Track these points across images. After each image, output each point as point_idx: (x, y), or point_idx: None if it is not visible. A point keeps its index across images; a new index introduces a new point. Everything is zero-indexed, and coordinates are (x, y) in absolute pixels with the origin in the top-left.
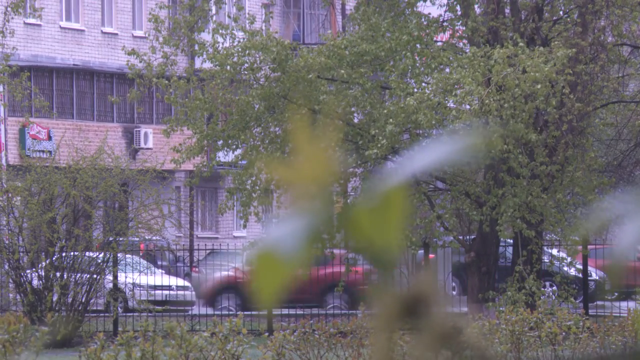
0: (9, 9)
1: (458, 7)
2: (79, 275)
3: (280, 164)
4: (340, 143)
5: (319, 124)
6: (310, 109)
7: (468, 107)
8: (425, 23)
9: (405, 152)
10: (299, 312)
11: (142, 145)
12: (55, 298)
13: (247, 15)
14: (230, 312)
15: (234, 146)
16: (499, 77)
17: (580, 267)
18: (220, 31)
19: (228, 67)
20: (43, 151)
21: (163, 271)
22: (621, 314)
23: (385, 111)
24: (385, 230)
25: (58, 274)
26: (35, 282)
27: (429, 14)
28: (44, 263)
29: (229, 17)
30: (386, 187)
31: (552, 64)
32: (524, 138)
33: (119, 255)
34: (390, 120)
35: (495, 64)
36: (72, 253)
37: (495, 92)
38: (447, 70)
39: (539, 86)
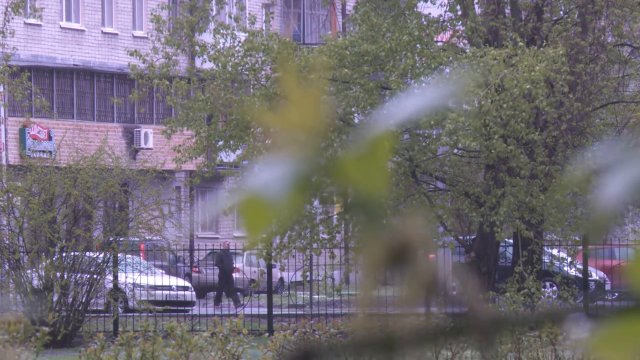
0: (9, 9)
1: (458, 7)
2: (79, 275)
3: (268, 110)
4: (329, 90)
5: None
6: None
7: (467, 107)
8: (425, 23)
9: (389, 101)
10: (299, 312)
11: (143, 145)
12: (55, 298)
13: (247, 16)
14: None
15: (235, 147)
16: (496, 78)
17: (581, 267)
18: (222, 31)
19: (229, 68)
20: (43, 151)
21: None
22: None
23: (384, 111)
24: (371, 176)
25: (58, 274)
26: (35, 282)
27: (429, 14)
28: (44, 263)
29: (230, 17)
30: (371, 135)
31: (545, 63)
32: (524, 138)
33: (119, 255)
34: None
35: (494, 65)
36: (72, 253)
37: (495, 92)
38: (447, 70)
39: (528, 86)
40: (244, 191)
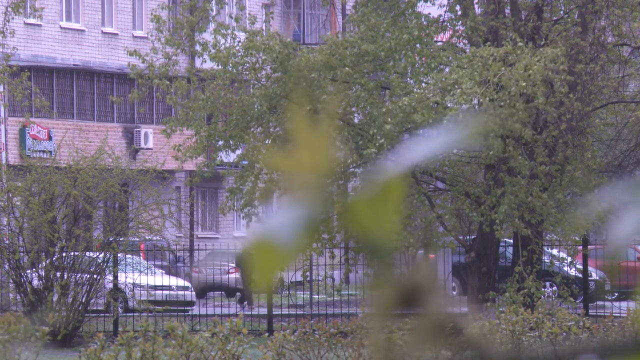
0: (9, 9)
1: (458, 7)
2: (79, 275)
3: (278, 154)
4: (340, 134)
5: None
6: (312, 108)
7: (465, 107)
8: (425, 23)
9: (403, 144)
10: (299, 312)
11: (143, 145)
12: (55, 298)
13: (247, 16)
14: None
15: (234, 147)
16: (494, 78)
17: (581, 267)
18: (222, 31)
19: (230, 67)
20: (43, 151)
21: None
22: (621, 314)
23: (383, 110)
24: (382, 219)
25: (58, 274)
26: (35, 282)
27: (429, 14)
28: (44, 263)
29: (230, 17)
30: (383, 178)
31: (544, 63)
32: (522, 138)
33: (119, 255)
34: (389, 119)
35: (492, 63)
36: (72, 253)
37: (493, 91)
38: (447, 70)
39: (524, 83)
40: (257, 236)
